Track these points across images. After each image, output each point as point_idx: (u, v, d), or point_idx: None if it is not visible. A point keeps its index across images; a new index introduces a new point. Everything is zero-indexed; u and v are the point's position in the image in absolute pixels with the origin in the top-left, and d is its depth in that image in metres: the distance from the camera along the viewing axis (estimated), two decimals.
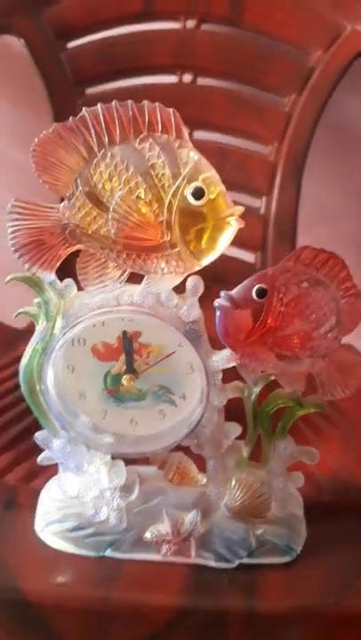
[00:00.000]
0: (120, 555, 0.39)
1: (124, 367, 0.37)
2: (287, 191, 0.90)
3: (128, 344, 0.37)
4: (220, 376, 0.37)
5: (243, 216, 0.32)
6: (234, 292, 0.33)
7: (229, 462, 0.39)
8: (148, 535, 0.39)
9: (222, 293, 0.33)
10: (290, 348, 0.35)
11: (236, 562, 0.38)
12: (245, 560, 0.39)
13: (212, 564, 0.38)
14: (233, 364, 0.36)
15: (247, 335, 0.34)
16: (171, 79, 0.89)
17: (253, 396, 0.37)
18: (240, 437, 0.40)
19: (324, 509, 0.45)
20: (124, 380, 0.37)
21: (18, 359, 0.38)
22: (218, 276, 0.33)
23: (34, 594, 0.37)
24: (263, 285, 0.33)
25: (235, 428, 0.39)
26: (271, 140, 0.89)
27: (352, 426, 0.60)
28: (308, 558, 0.40)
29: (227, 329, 0.34)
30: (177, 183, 0.31)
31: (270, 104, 0.88)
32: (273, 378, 0.37)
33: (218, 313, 0.33)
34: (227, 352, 0.36)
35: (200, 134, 0.91)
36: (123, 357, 0.37)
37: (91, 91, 0.88)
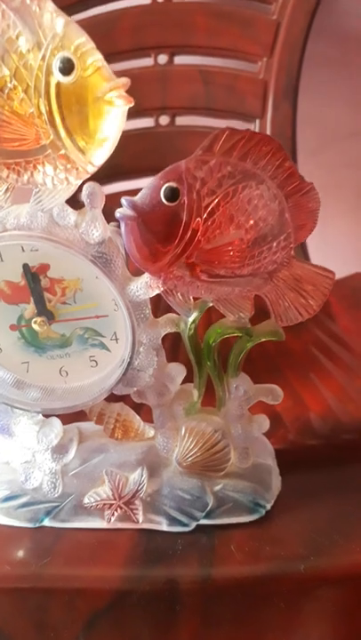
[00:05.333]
0: (59, 524, 0.34)
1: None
2: (282, 110, 0.83)
3: (33, 280, 0.30)
4: (149, 309, 0.30)
5: None
6: (138, 196, 0.26)
7: (178, 410, 0.33)
8: (86, 500, 0.33)
9: (124, 200, 0.26)
10: (224, 264, 0.28)
11: (193, 524, 0.33)
12: (204, 521, 0.33)
13: (165, 528, 0.33)
14: (156, 291, 0.29)
15: (164, 252, 0.27)
16: (145, 0, 0.82)
17: (190, 330, 0.31)
18: (191, 380, 0.33)
19: (307, 456, 0.39)
20: (35, 324, 0.31)
21: None
22: None
23: None
24: (173, 184, 0.26)
25: (179, 370, 0.33)
26: (260, 55, 0.81)
27: (356, 360, 0.53)
28: (281, 515, 0.34)
29: (137, 246, 0.27)
30: (41, 56, 0.24)
31: (256, 14, 0.80)
32: (211, 304, 0.30)
33: (122, 226, 0.26)
34: (145, 277, 0.29)
35: (181, 59, 0.84)
36: None
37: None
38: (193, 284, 0.28)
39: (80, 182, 0.27)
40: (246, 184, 0.27)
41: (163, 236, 0.26)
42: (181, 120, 0.83)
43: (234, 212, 0.27)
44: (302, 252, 0.75)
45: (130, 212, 0.26)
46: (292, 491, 0.35)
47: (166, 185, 0.26)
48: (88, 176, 0.27)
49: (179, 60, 0.83)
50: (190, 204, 0.26)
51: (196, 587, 0.31)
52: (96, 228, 0.28)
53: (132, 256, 0.27)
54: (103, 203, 0.28)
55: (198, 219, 0.26)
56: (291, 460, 0.37)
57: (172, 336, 0.33)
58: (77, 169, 0.26)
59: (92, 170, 0.26)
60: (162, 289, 0.29)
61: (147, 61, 0.84)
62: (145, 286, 0.29)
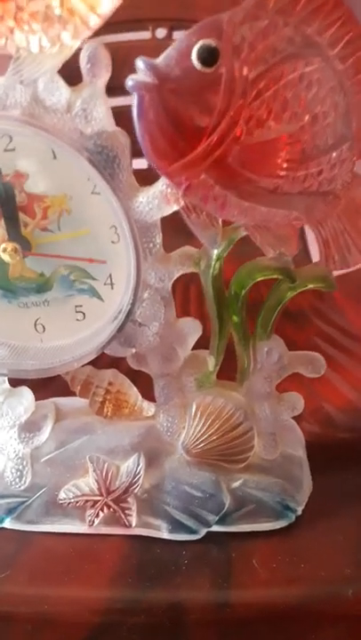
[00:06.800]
0: (25, 526, 0.27)
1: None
2: None
3: (5, 191, 0.23)
4: (160, 237, 0.23)
5: None
6: (160, 58, 0.19)
7: (188, 381, 0.26)
8: (63, 495, 0.25)
9: (140, 61, 0.19)
10: (269, 171, 0.20)
11: (204, 531, 0.26)
12: (217, 528, 0.26)
13: (166, 535, 0.27)
14: (175, 207, 0.21)
15: (192, 143, 0.19)
16: None
17: (213, 270, 0.23)
18: (204, 345, 0.26)
19: (339, 451, 0.33)
20: (4, 252, 0.23)
21: None
22: None
23: None
24: (211, 42, 0.18)
25: (193, 327, 0.25)
26: None
27: None
28: (316, 522, 0.28)
29: (154, 131, 0.19)
30: None
31: None
32: (244, 234, 0.22)
33: (135, 99, 0.19)
34: (160, 185, 0.21)
35: (181, 34, 0.78)
36: None
37: None
38: (225, 201, 0.21)
39: (77, 44, 0.20)
40: (308, 60, 0.20)
41: (192, 116, 0.19)
42: None
43: (289, 96, 0.20)
44: (303, 248, 0.69)
45: (148, 79, 0.18)
46: (325, 492, 0.29)
47: (202, 42, 0.18)
48: (89, 34, 0.20)
49: (178, 35, 0.77)
50: (231, 73, 0.19)
51: (208, 615, 0.25)
52: (96, 110, 0.20)
53: (145, 147, 0.19)
54: (109, 74, 0.20)
55: (241, 100, 0.19)
56: (319, 457, 0.30)
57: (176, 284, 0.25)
58: (75, 23, 0.19)
59: (94, 23, 0.19)
60: (182, 204, 0.21)
61: (144, 34, 0.78)
62: (158, 197, 0.21)
